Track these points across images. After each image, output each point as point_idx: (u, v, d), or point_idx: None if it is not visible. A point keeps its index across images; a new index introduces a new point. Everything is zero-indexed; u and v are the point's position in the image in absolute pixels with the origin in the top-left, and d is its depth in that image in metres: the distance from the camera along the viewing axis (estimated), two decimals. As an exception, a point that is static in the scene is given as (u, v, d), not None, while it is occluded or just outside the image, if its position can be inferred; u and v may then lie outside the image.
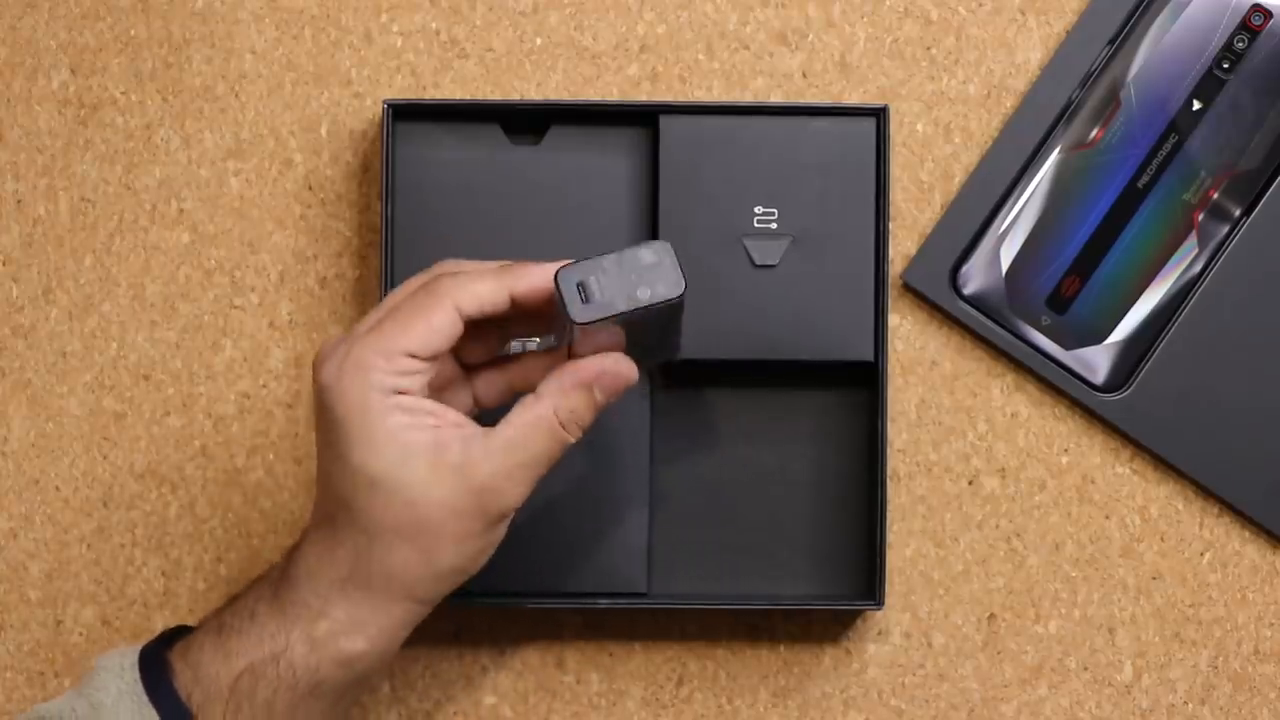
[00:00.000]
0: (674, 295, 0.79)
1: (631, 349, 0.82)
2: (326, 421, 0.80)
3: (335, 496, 0.81)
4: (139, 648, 0.83)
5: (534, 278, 0.81)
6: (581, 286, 0.79)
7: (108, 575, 0.93)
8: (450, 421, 0.81)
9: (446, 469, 0.79)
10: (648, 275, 0.79)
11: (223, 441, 0.93)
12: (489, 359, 0.85)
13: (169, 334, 0.93)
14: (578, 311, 0.79)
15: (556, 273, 0.79)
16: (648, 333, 0.82)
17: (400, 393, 0.80)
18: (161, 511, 0.93)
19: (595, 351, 0.81)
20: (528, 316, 0.83)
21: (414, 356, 0.80)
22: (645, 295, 0.79)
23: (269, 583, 0.83)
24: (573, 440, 0.81)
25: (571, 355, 0.81)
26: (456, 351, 0.83)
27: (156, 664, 0.82)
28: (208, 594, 0.93)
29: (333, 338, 0.83)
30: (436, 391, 0.83)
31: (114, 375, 0.93)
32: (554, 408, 0.80)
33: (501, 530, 0.81)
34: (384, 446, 0.79)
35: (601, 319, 0.79)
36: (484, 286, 0.81)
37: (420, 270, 0.91)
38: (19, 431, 0.93)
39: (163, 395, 0.93)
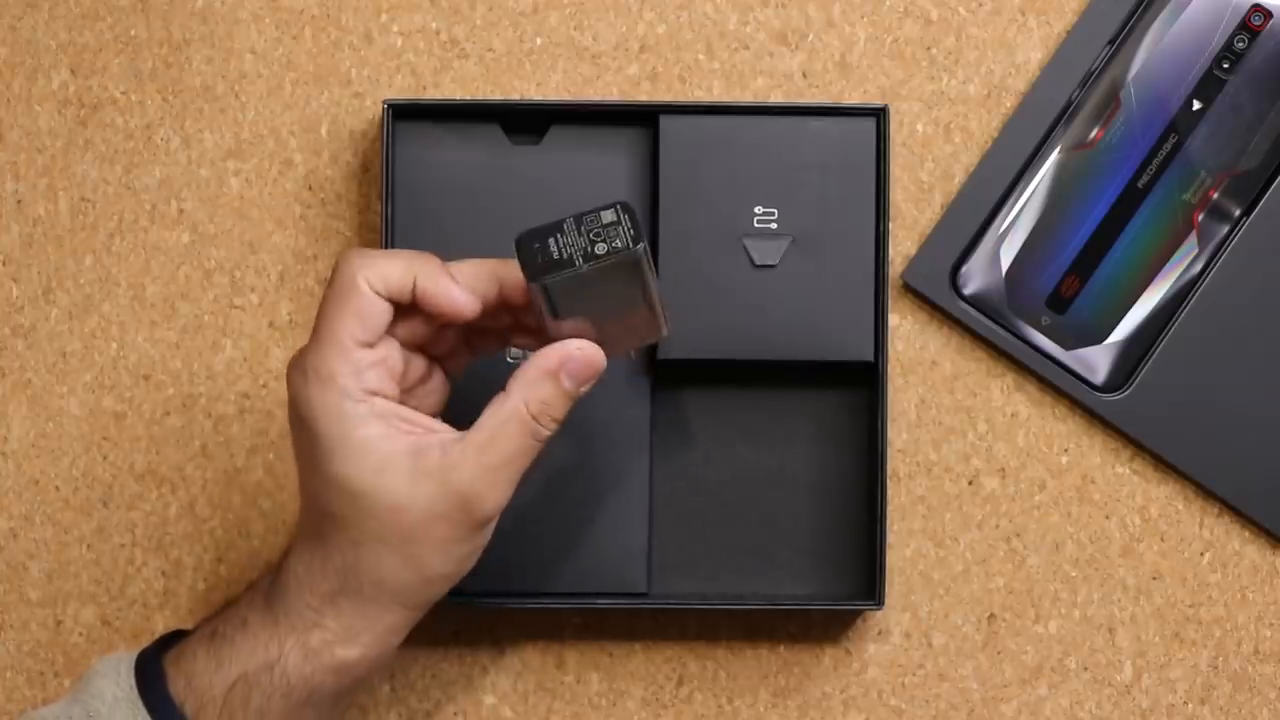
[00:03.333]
0: (630, 248, 0.78)
1: (611, 337, 0.81)
2: (302, 435, 0.80)
3: (318, 508, 0.80)
4: (135, 654, 0.83)
5: (452, 296, 0.80)
6: (540, 246, 0.79)
7: (108, 575, 0.93)
8: (425, 426, 0.80)
9: (426, 476, 0.79)
10: (605, 233, 0.79)
11: (223, 441, 0.93)
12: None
13: (169, 334, 0.93)
14: (537, 270, 0.78)
15: (517, 237, 0.79)
16: (619, 309, 0.81)
17: (372, 393, 0.79)
18: (161, 511, 0.93)
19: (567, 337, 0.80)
20: (519, 325, 0.83)
21: (365, 345, 0.79)
22: (602, 250, 0.78)
23: (260, 591, 0.83)
24: (547, 433, 0.80)
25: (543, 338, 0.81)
26: (447, 361, 0.83)
27: (152, 670, 0.82)
28: (208, 594, 0.93)
29: (295, 355, 0.82)
30: (415, 388, 0.82)
31: (114, 375, 0.93)
32: (523, 401, 0.79)
33: (488, 533, 0.81)
34: (362, 457, 0.79)
35: (560, 278, 0.78)
36: (389, 264, 0.79)
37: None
38: (19, 431, 0.93)
39: (163, 395, 0.93)
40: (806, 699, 0.94)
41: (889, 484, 0.93)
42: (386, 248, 0.90)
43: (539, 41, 0.94)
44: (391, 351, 0.80)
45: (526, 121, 0.92)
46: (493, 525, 0.81)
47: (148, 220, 0.94)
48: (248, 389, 0.93)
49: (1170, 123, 0.92)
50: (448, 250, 0.91)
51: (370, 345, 0.79)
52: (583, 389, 0.81)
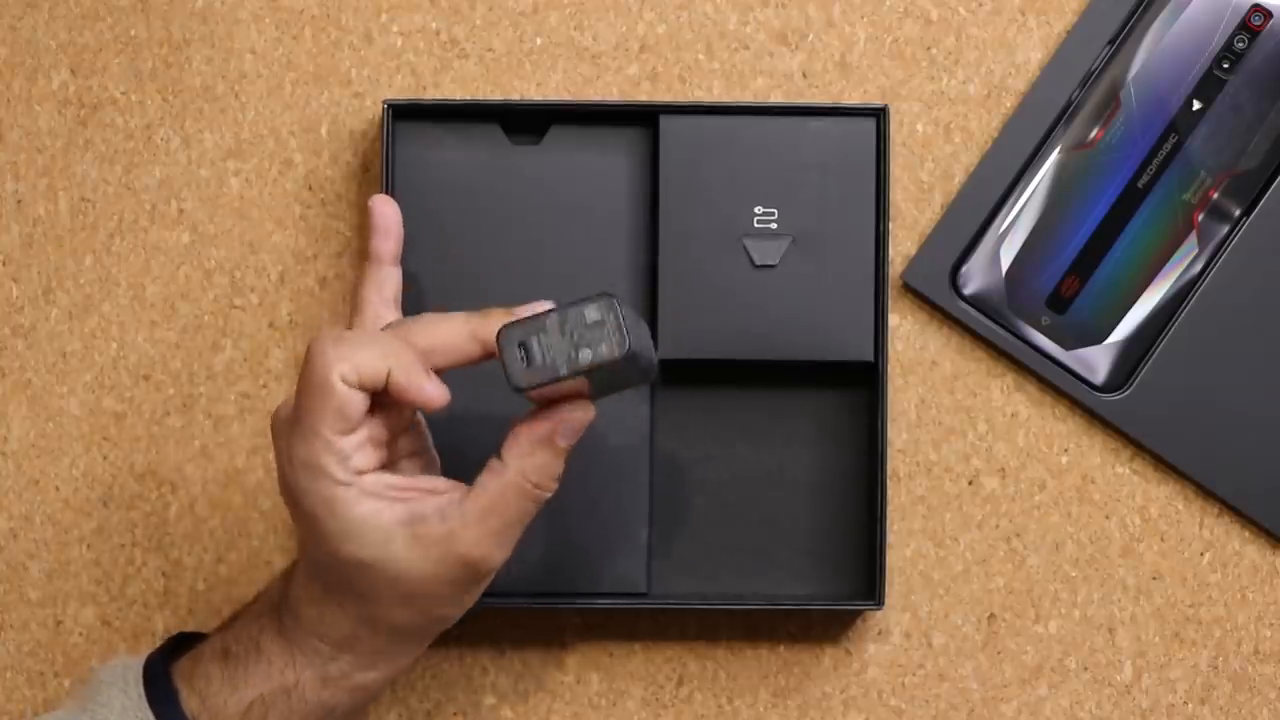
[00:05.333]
0: (616, 356, 0.77)
1: (596, 389, 0.80)
2: (299, 516, 0.80)
3: (325, 569, 0.81)
4: (141, 662, 0.83)
5: (441, 336, 0.80)
6: (523, 347, 0.77)
7: (108, 575, 0.93)
8: (421, 489, 0.81)
9: (428, 543, 0.79)
10: (589, 335, 0.77)
11: (223, 441, 0.93)
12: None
13: (169, 334, 0.93)
14: (519, 376, 0.77)
15: (499, 332, 0.78)
16: (609, 378, 0.80)
17: (360, 473, 0.79)
18: (161, 511, 0.93)
19: (555, 398, 0.79)
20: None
21: (346, 433, 0.79)
22: (587, 358, 0.77)
23: (269, 611, 0.83)
24: (548, 495, 0.81)
25: (532, 400, 0.80)
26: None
27: (161, 684, 0.82)
28: (208, 594, 0.93)
29: (280, 411, 0.81)
30: (400, 435, 0.82)
31: (114, 375, 0.93)
32: (520, 473, 0.79)
33: (490, 578, 0.82)
34: (362, 535, 0.79)
35: (542, 384, 0.77)
36: (363, 358, 0.79)
37: (419, 272, 0.91)
38: (19, 431, 0.93)
39: (163, 395, 0.93)
40: (806, 699, 0.94)
41: (889, 484, 0.93)
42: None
43: (539, 41, 0.94)
44: (373, 425, 0.80)
45: (526, 121, 0.92)
46: (491, 577, 0.82)
47: (148, 220, 0.94)
48: (248, 389, 0.93)
49: (1170, 123, 0.92)
50: (448, 250, 0.91)
51: (351, 431, 0.79)
52: (575, 439, 0.80)
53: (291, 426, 0.79)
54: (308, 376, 0.79)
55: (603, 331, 0.77)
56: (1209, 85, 0.92)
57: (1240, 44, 0.92)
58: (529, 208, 0.91)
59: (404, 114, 0.91)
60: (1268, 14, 0.92)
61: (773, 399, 0.93)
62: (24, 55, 0.94)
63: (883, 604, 0.90)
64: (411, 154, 0.91)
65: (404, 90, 0.94)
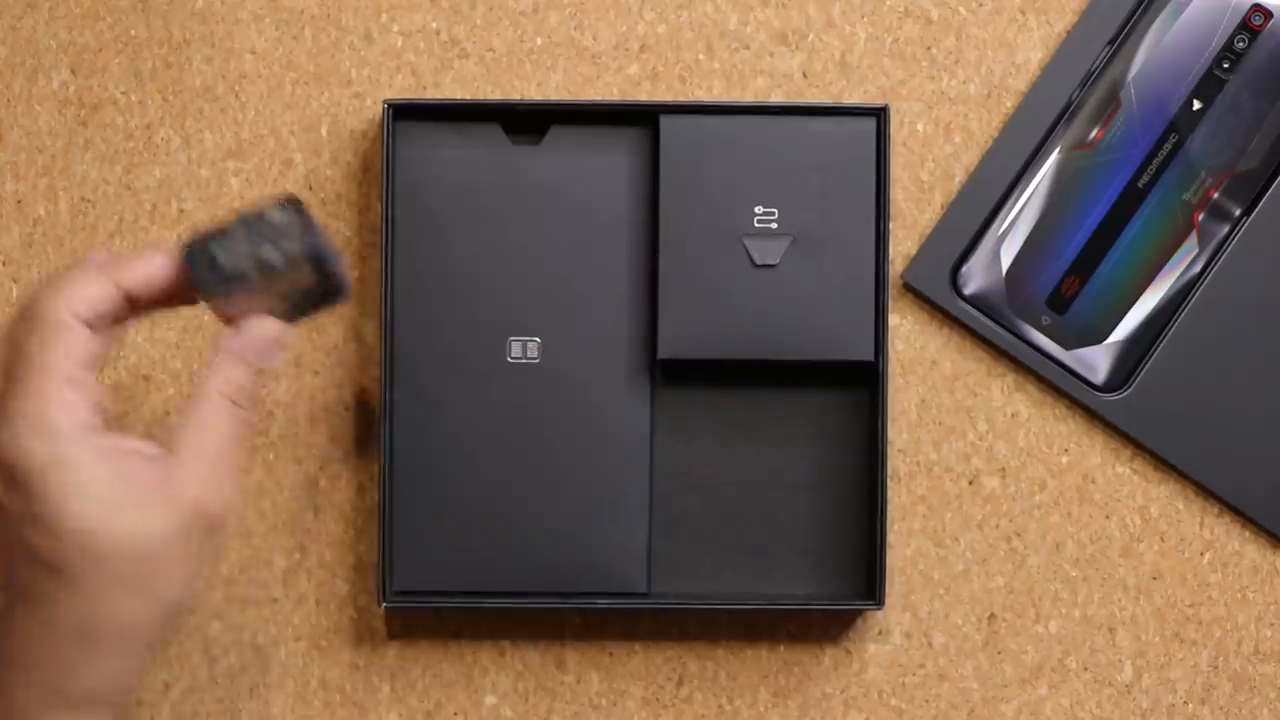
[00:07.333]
0: (300, 254, 0.77)
1: (291, 308, 0.80)
2: (16, 497, 0.75)
3: (39, 571, 0.75)
4: None
5: (143, 267, 0.77)
6: (210, 257, 0.77)
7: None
8: (135, 450, 0.77)
9: (158, 502, 0.76)
10: (275, 235, 0.77)
11: (223, 441, 0.93)
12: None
13: (169, 334, 0.93)
14: (205, 280, 0.77)
15: (185, 244, 0.77)
16: (301, 297, 0.79)
17: (88, 430, 0.75)
18: (161, 511, 0.93)
19: (244, 315, 0.79)
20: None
21: (76, 384, 0.75)
22: (274, 258, 0.77)
23: None
24: (251, 417, 0.78)
25: (224, 317, 0.79)
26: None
27: None
28: (208, 594, 0.93)
29: None
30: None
31: (114, 375, 0.93)
32: (217, 389, 0.78)
33: (218, 540, 0.78)
34: (96, 502, 0.74)
35: (229, 292, 0.77)
36: (89, 288, 0.76)
37: (419, 272, 0.91)
38: (19, 431, 0.93)
39: (163, 395, 0.93)
40: (806, 699, 0.94)
41: (889, 484, 0.93)
42: (386, 248, 0.90)
43: (539, 41, 0.94)
44: (90, 379, 0.76)
45: (526, 121, 0.92)
46: (222, 535, 0.78)
47: (148, 220, 0.94)
48: (248, 389, 0.93)
49: (1170, 123, 0.92)
50: (448, 250, 0.91)
51: (82, 383, 0.75)
52: (270, 364, 0.79)
53: (11, 386, 0.75)
54: (35, 320, 0.75)
55: (290, 232, 0.77)
56: (1209, 85, 0.92)
57: (1240, 44, 0.92)
58: (529, 208, 0.91)
59: (404, 114, 0.91)
60: (1268, 14, 0.92)
61: (773, 399, 0.93)
62: (24, 55, 0.94)
63: (883, 604, 0.90)
64: (411, 154, 0.91)
65: (404, 90, 0.94)
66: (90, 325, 0.76)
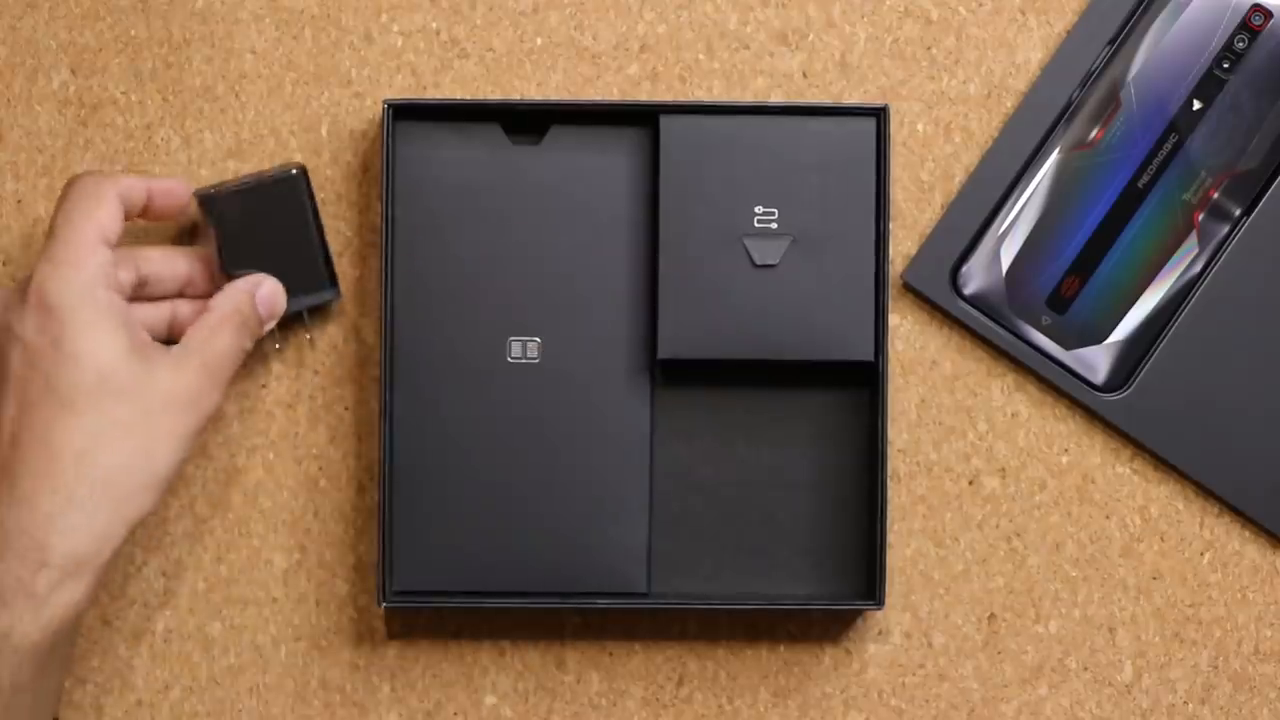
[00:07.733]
0: (288, 172, 0.89)
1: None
2: (49, 321, 0.83)
3: (52, 401, 0.82)
4: None
5: (168, 183, 0.88)
6: (219, 208, 0.89)
7: (108, 575, 0.93)
8: (145, 327, 0.87)
9: (169, 361, 0.84)
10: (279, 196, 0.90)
11: (223, 441, 0.93)
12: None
13: (169, 334, 0.93)
14: (215, 220, 0.89)
15: (196, 192, 0.89)
16: (287, 251, 0.89)
17: (117, 289, 0.84)
18: (161, 511, 0.93)
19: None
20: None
21: (108, 244, 0.84)
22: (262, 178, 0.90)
23: None
24: (250, 338, 0.88)
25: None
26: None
27: None
28: (208, 594, 0.93)
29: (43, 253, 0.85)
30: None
31: (114, 375, 0.93)
32: (232, 306, 0.87)
33: (198, 436, 0.85)
34: (114, 335, 0.83)
35: (237, 243, 0.89)
36: (126, 179, 0.87)
37: (419, 272, 0.91)
38: (19, 431, 0.93)
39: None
40: (806, 699, 0.94)
41: (889, 484, 0.93)
42: (386, 248, 0.90)
43: (539, 41, 0.94)
44: (125, 271, 0.87)
45: (526, 121, 0.92)
46: (202, 432, 0.85)
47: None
48: (247, 389, 0.93)
49: (1170, 123, 0.92)
50: (448, 250, 0.91)
51: (111, 246, 0.85)
52: (266, 326, 0.89)
53: (56, 242, 0.84)
54: (75, 194, 0.85)
55: (292, 200, 0.90)
56: (1209, 85, 0.92)
57: (1240, 44, 0.92)
58: (529, 208, 0.91)
59: (404, 114, 0.91)
60: (1268, 14, 0.92)
61: (773, 399, 0.93)
62: (24, 55, 0.94)
63: (883, 604, 0.90)
64: (411, 154, 0.91)
65: (404, 90, 0.93)
66: (123, 205, 0.86)
